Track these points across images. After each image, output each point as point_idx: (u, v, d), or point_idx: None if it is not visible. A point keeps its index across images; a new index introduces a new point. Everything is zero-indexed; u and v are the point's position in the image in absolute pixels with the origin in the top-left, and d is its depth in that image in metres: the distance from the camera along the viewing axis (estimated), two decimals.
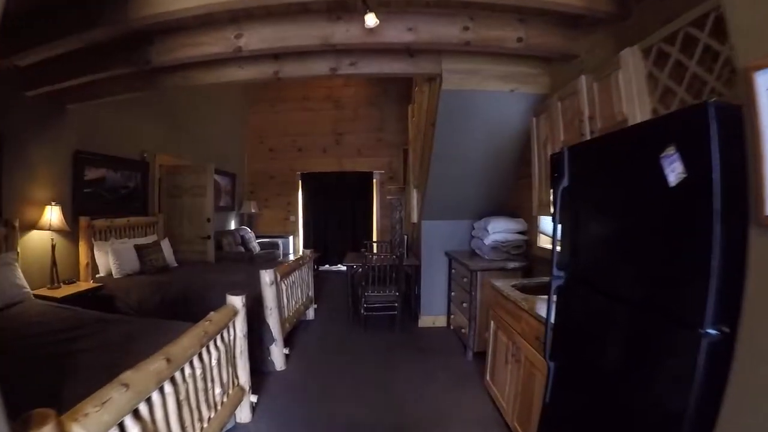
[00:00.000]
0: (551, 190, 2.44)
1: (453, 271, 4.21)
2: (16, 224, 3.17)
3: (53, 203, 3.44)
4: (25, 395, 1.52)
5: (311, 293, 4.71)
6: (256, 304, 3.17)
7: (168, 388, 1.57)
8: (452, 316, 4.24)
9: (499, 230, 3.71)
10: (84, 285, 3.64)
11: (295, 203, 7.93)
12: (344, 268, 4.82)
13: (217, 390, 2.02)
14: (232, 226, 7.32)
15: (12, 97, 3.17)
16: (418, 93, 4.77)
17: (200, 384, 1.82)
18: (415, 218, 5.22)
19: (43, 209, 3.42)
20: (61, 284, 3.50)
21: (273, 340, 3.16)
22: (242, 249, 6.44)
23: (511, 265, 3.57)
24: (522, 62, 3.17)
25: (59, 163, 3.71)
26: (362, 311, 4.20)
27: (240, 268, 4.46)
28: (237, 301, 2.40)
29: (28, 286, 3.06)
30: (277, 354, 3.20)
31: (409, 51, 3.04)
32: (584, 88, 2.18)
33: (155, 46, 2.60)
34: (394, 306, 4.16)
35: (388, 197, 7.22)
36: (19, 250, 3.19)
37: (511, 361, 2.32)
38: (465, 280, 3.68)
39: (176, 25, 2.49)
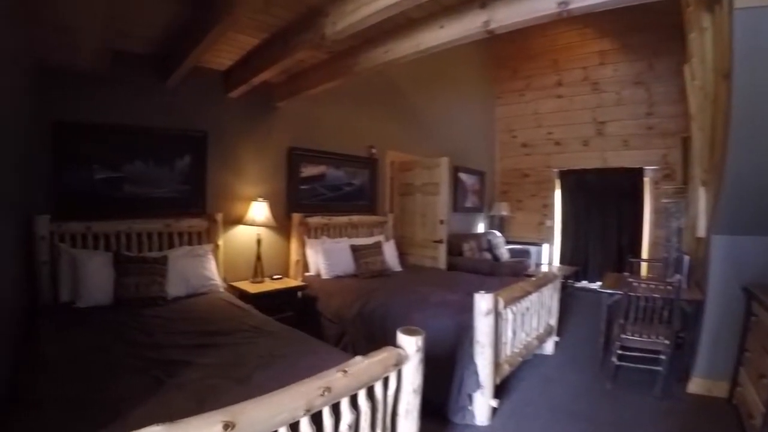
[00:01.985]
0: None
1: (753, 318, 2.64)
2: (218, 218, 3.31)
3: (260, 199, 3.53)
4: (98, 402, 1.41)
5: (553, 321, 3.73)
6: (466, 335, 2.53)
7: None
8: (738, 388, 2.66)
9: None
10: (290, 282, 3.61)
11: (552, 206, 6.99)
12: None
13: None
14: (480, 229, 7.10)
15: (215, 99, 3.48)
16: (696, 39, 3.24)
17: None
18: (701, 230, 3.63)
19: (249, 205, 3.51)
20: (265, 279, 3.51)
21: (479, 386, 2.45)
22: (488, 255, 6.06)
23: None
24: None
25: (270, 160, 3.84)
26: (614, 358, 3.09)
27: (471, 280, 3.84)
28: (409, 343, 1.75)
29: (217, 278, 3.09)
30: (481, 404, 2.48)
31: None
32: None
33: (330, 17, 2.39)
34: (660, 359, 2.90)
35: (662, 200, 5.44)
36: (220, 243, 3.33)
37: None
38: None
39: None
